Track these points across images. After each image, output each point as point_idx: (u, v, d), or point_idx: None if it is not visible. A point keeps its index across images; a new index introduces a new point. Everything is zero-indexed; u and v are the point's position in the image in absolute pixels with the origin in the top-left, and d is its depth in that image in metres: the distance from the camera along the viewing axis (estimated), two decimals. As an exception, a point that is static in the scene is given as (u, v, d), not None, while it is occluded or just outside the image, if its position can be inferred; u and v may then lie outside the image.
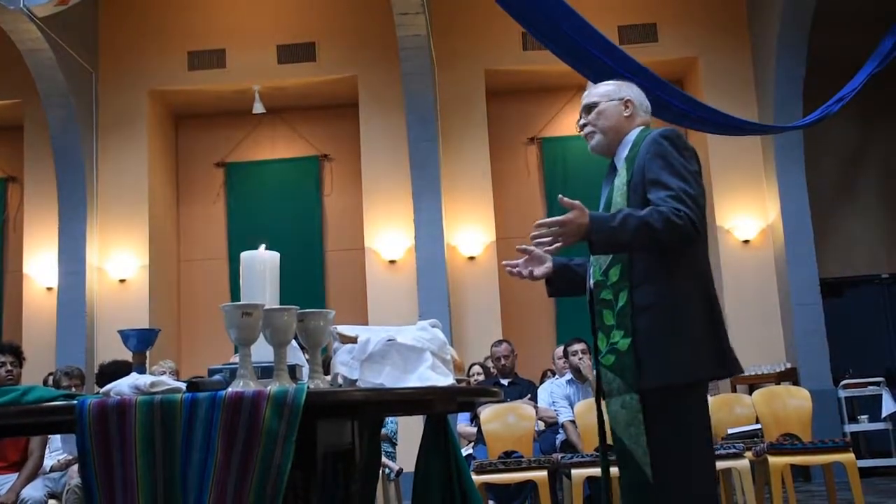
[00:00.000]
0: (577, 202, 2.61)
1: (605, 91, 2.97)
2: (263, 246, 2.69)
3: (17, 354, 5.35)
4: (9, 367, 5.21)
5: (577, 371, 6.46)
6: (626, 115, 2.91)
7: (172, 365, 6.99)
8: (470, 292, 9.72)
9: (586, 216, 2.60)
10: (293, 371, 2.53)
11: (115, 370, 5.11)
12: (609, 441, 2.85)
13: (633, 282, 2.70)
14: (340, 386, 2.62)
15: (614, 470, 2.88)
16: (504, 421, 6.20)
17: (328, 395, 2.35)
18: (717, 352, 2.70)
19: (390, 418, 6.72)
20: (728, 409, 6.43)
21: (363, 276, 9.88)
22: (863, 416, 9.18)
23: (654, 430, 2.65)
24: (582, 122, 2.97)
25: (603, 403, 2.81)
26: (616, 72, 5.42)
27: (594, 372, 2.96)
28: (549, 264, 2.95)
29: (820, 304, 9.23)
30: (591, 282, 2.84)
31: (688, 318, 2.66)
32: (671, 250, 2.68)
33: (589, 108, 2.96)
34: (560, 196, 2.70)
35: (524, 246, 2.84)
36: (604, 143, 2.93)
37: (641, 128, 2.91)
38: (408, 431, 6.79)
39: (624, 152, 2.87)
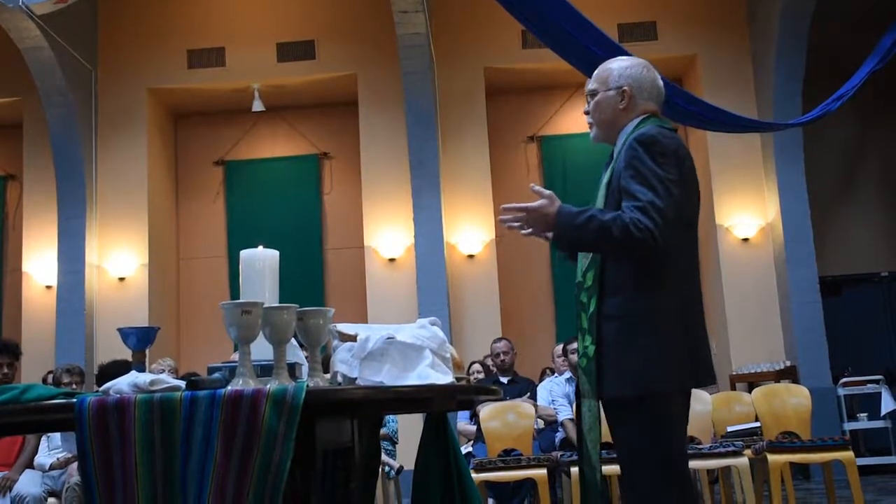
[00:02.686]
0: (548, 192, 2.59)
1: (603, 78, 2.85)
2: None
3: (15, 354, 5.34)
4: (5, 371, 5.19)
5: (575, 369, 6.45)
6: (620, 106, 2.79)
7: (172, 363, 6.99)
8: (469, 290, 9.71)
9: (555, 207, 2.58)
10: (293, 369, 2.53)
11: (115, 371, 5.10)
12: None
13: (603, 290, 2.66)
14: (340, 384, 2.62)
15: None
16: (503, 419, 6.20)
17: (328, 393, 2.35)
18: (683, 364, 2.61)
19: (390, 416, 6.72)
20: (727, 407, 6.44)
21: (363, 274, 9.88)
22: (862, 414, 9.19)
23: (613, 438, 2.65)
24: (585, 109, 2.92)
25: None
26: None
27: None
28: None
29: (819, 303, 9.23)
30: (576, 280, 2.80)
31: (651, 330, 2.59)
32: (643, 259, 2.60)
33: (592, 94, 2.88)
34: (531, 185, 2.69)
35: (507, 214, 2.75)
36: (602, 136, 2.88)
37: (641, 118, 2.78)
38: (408, 429, 6.79)
39: (619, 143, 2.79)
